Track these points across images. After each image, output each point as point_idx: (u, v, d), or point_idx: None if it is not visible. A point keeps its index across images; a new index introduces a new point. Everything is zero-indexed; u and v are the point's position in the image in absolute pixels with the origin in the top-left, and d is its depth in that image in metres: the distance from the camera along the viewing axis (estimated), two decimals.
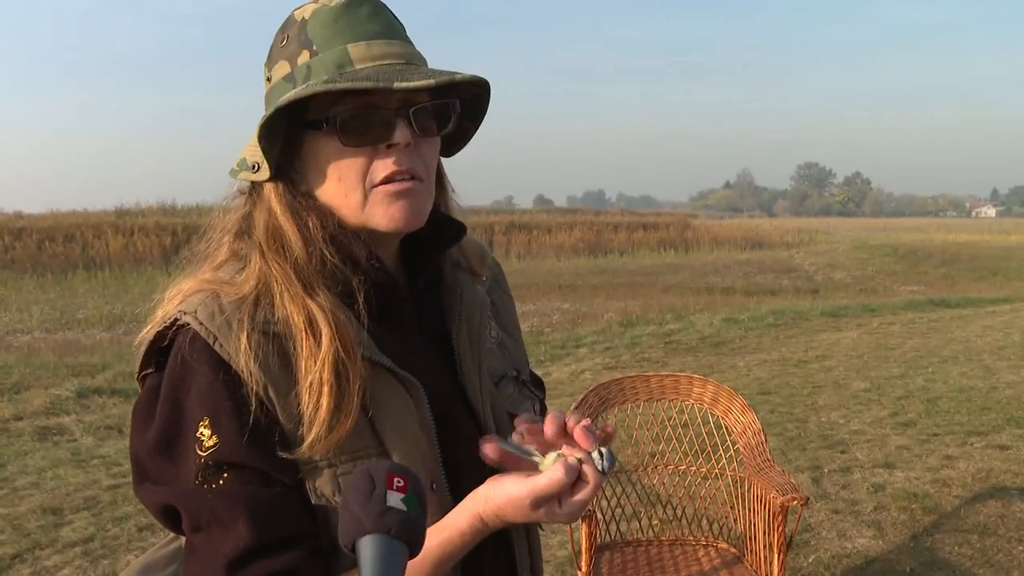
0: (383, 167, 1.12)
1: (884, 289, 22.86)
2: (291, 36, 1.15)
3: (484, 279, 1.37)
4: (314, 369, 1.07)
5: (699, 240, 40.54)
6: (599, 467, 1.07)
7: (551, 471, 1.05)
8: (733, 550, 3.28)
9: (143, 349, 1.12)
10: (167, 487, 1.06)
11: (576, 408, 3.17)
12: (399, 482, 0.89)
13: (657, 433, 3.60)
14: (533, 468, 1.09)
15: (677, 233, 41.49)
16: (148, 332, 1.12)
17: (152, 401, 1.09)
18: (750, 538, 3.13)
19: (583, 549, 2.90)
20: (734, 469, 3.40)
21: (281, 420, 1.07)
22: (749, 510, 3.15)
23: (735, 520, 3.33)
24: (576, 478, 1.05)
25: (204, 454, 1.04)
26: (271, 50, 1.19)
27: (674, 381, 3.42)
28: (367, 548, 0.84)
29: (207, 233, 1.22)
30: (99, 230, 29.08)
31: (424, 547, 0.89)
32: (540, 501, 1.04)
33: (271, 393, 1.06)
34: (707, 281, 23.81)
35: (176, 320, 1.09)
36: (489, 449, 1.10)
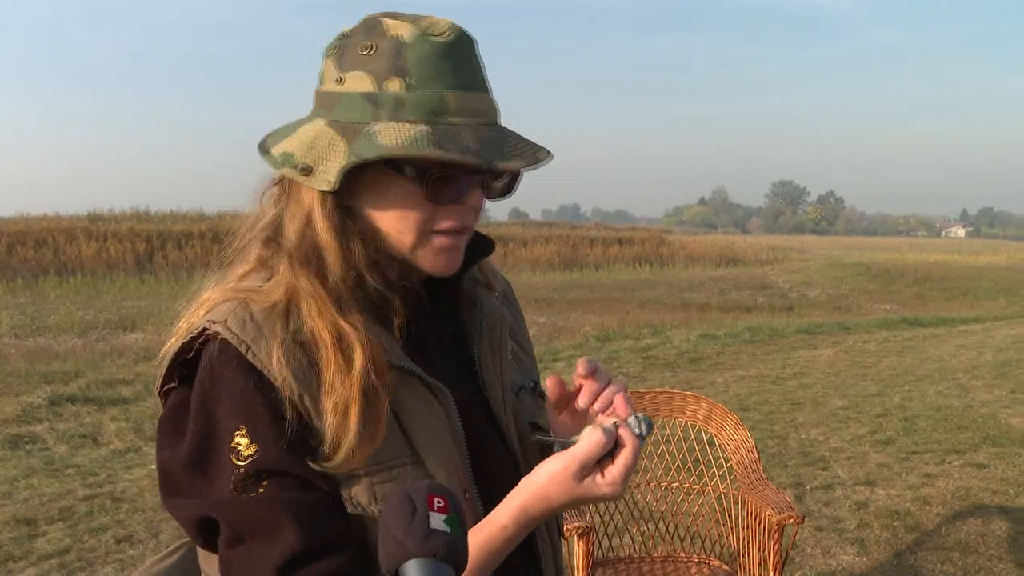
0: (447, 221, 1.13)
1: (858, 307, 23.02)
2: (381, 51, 1.09)
3: (497, 293, 1.37)
4: (341, 388, 1.05)
5: (674, 256, 40.67)
6: (636, 431, 1.07)
7: (588, 437, 1.06)
8: (725, 567, 3.27)
9: (166, 362, 1.09)
10: (203, 500, 1.03)
11: None
12: (439, 502, 0.87)
13: (650, 450, 3.59)
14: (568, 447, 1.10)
15: (652, 248, 41.61)
16: (173, 344, 1.10)
17: (180, 414, 1.07)
18: (743, 555, 3.12)
19: (579, 566, 2.88)
20: (727, 486, 3.39)
21: (316, 427, 1.05)
22: (742, 527, 3.14)
23: (727, 537, 3.32)
24: (614, 445, 1.06)
25: (243, 463, 1.02)
26: (345, 49, 1.12)
27: (668, 398, 3.41)
28: (413, 573, 0.82)
29: (232, 239, 1.20)
30: (71, 235, 28.73)
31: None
32: (583, 470, 1.05)
33: (306, 401, 1.05)
34: (683, 297, 23.87)
35: (205, 330, 1.07)
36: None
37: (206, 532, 1.04)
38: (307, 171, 1.09)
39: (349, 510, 1.07)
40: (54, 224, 30.71)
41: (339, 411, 1.04)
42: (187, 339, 1.08)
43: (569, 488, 1.06)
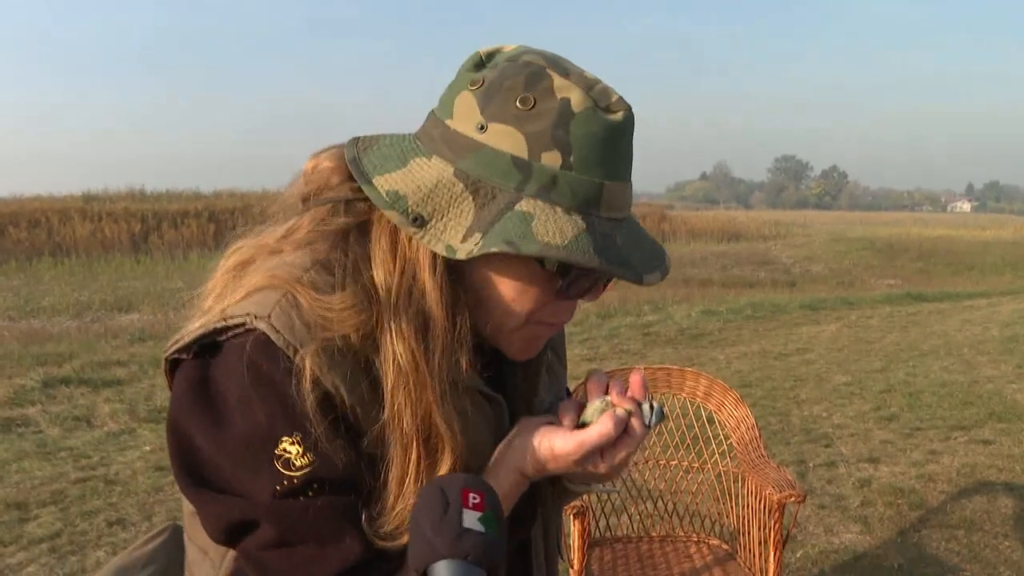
0: (553, 315, 1.07)
1: (861, 282, 23.00)
2: (543, 112, 0.96)
3: None
4: (413, 494, 0.98)
5: (676, 231, 40.60)
6: (646, 421, 1.05)
7: (600, 425, 1.03)
8: (725, 547, 3.24)
9: (185, 340, 0.98)
10: (245, 500, 0.95)
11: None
12: (475, 498, 0.82)
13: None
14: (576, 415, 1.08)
15: (654, 224, 41.46)
16: (198, 328, 0.98)
17: (213, 395, 0.96)
18: (743, 534, 3.09)
19: (575, 546, 2.85)
20: (726, 464, 3.36)
21: (362, 437, 0.99)
22: (743, 506, 3.11)
23: (727, 516, 3.29)
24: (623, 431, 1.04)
25: (296, 474, 0.94)
26: (495, 93, 0.98)
27: (666, 374, 3.36)
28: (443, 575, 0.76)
29: (277, 208, 1.12)
30: (65, 215, 28.70)
31: None
32: (587, 456, 1.04)
33: (358, 412, 0.98)
34: (684, 272, 23.79)
35: (243, 324, 0.96)
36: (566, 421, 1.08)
37: (238, 532, 0.97)
38: (420, 223, 0.97)
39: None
40: (48, 205, 30.69)
41: (406, 502, 0.99)
42: (219, 325, 0.97)
43: (568, 467, 1.05)
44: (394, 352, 0.97)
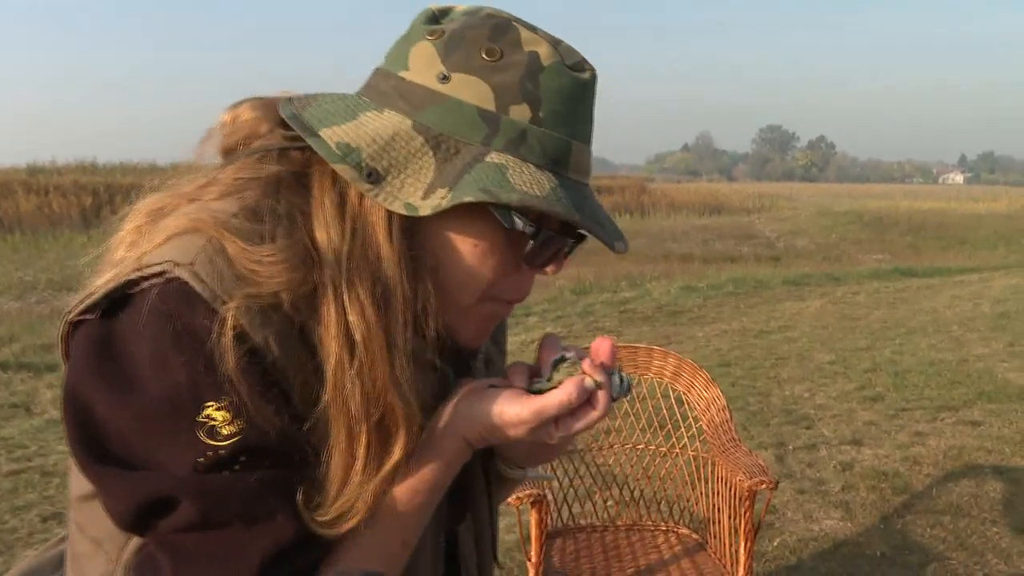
0: (513, 288, 1.02)
1: (848, 257, 23.06)
2: (511, 64, 0.94)
3: None
4: (358, 483, 0.94)
5: (656, 204, 40.62)
6: (613, 394, 0.99)
7: (562, 391, 0.96)
8: (695, 536, 3.20)
9: (94, 296, 0.89)
10: (158, 475, 0.87)
11: None
12: None
13: (614, 408, 3.47)
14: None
15: (633, 197, 41.51)
16: (109, 281, 0.90)
17: (118, 353, 0.88)
18: (713, 523, 3.05)
19: (532, 537, 2.79)
20: (696, 448, 3.32)
21: (296, 404, 0.92)
22: (712, 493, 3.07)
23: (696, 503, 3.25)
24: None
25: (222, 444, 0.86)
26: (458, 42, 0.95)
27: (632, 353, 3.31)
28: None
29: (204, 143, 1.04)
30: (8, 189, 28.27)
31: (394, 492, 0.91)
32: (543, 425, 0.97)
33: (290, 377, 0.90)
34: (664, 247, 23.81)
35: (163, 273, 0.88)
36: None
37: (151, 513, 0.88)
38: (375, 178, 0.92)
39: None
40: None
41: (351, 492, 0.94)
42: (133, 276, 0.88)
43: (521, 435, 0.98)
44: (346, 324, 0.91)
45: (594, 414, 0.97)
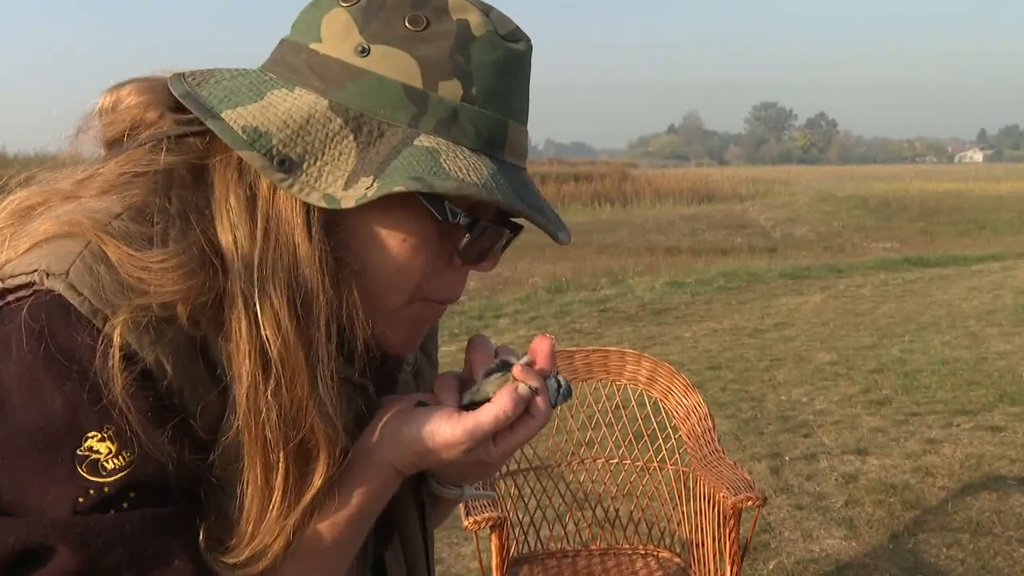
0: (446, 287, 1.02)
1: (852, 247, 23.22)
2: (438, 33, 0.92)
3: None
4: (276, 518, 0.92)
5: (639, 193, 40.87)
6: (552, 400, 1.00)
7: (496, 404, 0.95)
8: (677, 559, 3.19)
9: None
10: (30, 520, 0.82)
11: None
12: None
13: (584, 420, 3.50)
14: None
15: (614, 185, 41.72)
16: None
17: None
18: (697, 545, 3.04)
19: (493, 566, 2.77)
20: (676, 462, 3.30)
21: (194, 429, 0.89)
22: (695, 511, 3.06)
23: (678, 523, 3.24)
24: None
25: (106, 480, 0.82)
26: (376, 9, 0.93)
27: (603, 357, 3.30)
28: None
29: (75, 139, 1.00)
30: None
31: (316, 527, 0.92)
32: (479, 443, 0.96)
33: (186, 399, 0.87)
34: (648, 239, 23.95)
35: (30, 284, 0.85)
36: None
37: (24, 564, 0.82)
38: (288, 167, 0.89)
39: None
40: None
41: (268, 529, 0.92)
42: None
43: (456, 456, 0.97)
44: (259, 339, 0.89)
45: (533, 423, 0.98)
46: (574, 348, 3.43)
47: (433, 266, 0.97)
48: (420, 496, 1.16)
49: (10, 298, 0.84)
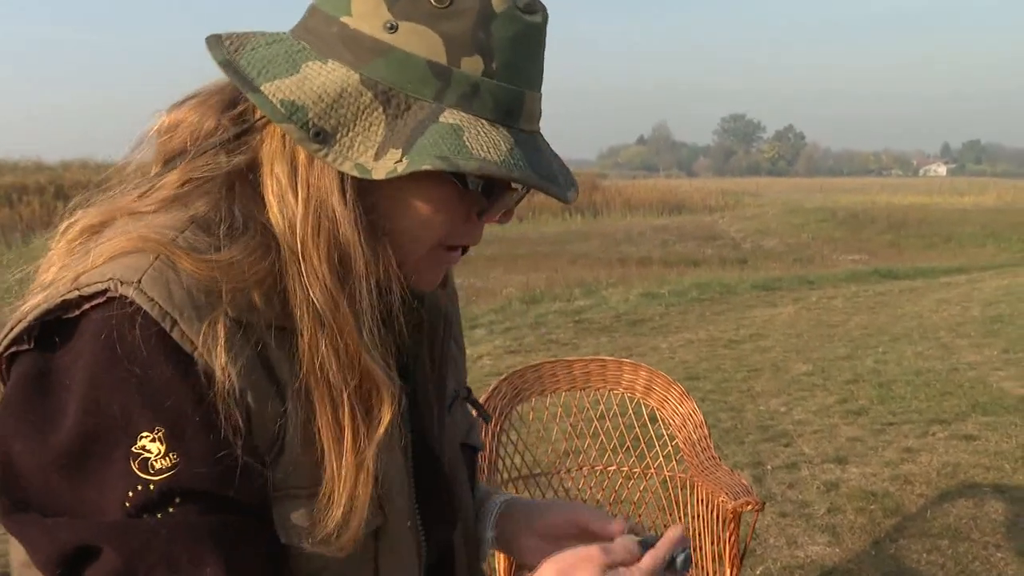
0: (468, 237, 1.11)
1: (822, 259, 23.30)
2: (461, 11, 0.96)
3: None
4: (353, 453, 0.98)
5: (609, 203, 40.76)
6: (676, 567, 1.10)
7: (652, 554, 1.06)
8: None
9: (25, 321, 0.90)
10: (80, 520, 0.87)
11: (488, 399, 3.08)
12: None
13: (581, 427, 3.53)
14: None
15: (584, 195, 41.54)
16: (40, 304, 0.90)
17: (42, 390, 0.89)
18: (695, 549, 3.08)
19: (500, 569, 2.81)
20: (672, 468, 3.35)
21: (254, 434, 0.94)
22: (692, 517, 3.10)
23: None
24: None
25: (154, 478, 0.87)
26: None
27: (600, 366, 3.35)
28: None
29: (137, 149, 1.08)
30: None
31: None
32: None
33: (248, 400, 0.93)
34: (620, 251, 23.94)
35: (105, 292, 0.89)
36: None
37: (73, 564, 0.88)
38: (323, 139, 0.96)
39: (283, 540, 0.98)
40: None
41: (346, 482, 0.97)
42: (70, 296, 0.90)
43: None
44: (309, 297, 0.96)
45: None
46: (573, 358, 3.46)
47: (454, 223, 1.06)
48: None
49: (86, 305, 0.89)
